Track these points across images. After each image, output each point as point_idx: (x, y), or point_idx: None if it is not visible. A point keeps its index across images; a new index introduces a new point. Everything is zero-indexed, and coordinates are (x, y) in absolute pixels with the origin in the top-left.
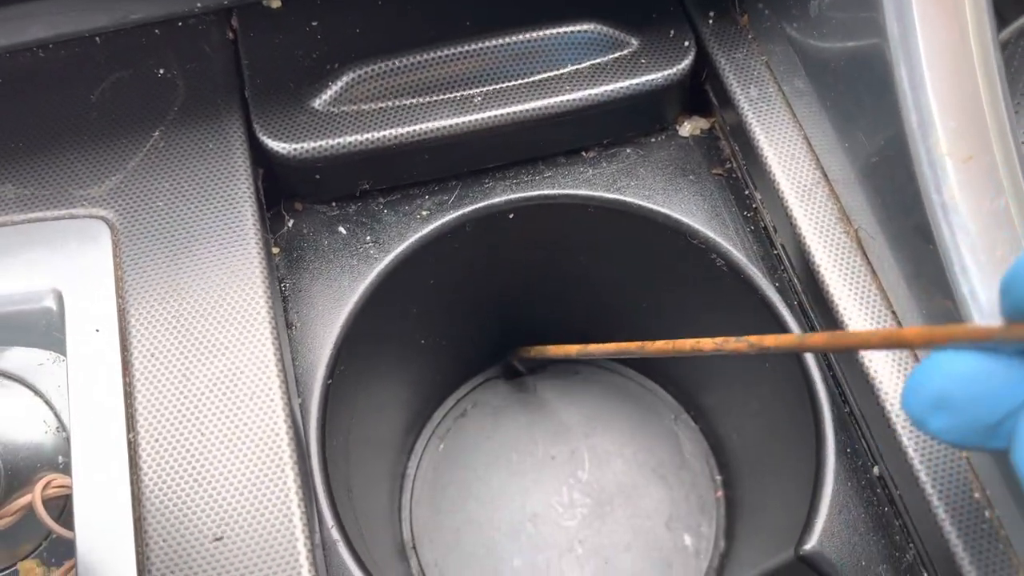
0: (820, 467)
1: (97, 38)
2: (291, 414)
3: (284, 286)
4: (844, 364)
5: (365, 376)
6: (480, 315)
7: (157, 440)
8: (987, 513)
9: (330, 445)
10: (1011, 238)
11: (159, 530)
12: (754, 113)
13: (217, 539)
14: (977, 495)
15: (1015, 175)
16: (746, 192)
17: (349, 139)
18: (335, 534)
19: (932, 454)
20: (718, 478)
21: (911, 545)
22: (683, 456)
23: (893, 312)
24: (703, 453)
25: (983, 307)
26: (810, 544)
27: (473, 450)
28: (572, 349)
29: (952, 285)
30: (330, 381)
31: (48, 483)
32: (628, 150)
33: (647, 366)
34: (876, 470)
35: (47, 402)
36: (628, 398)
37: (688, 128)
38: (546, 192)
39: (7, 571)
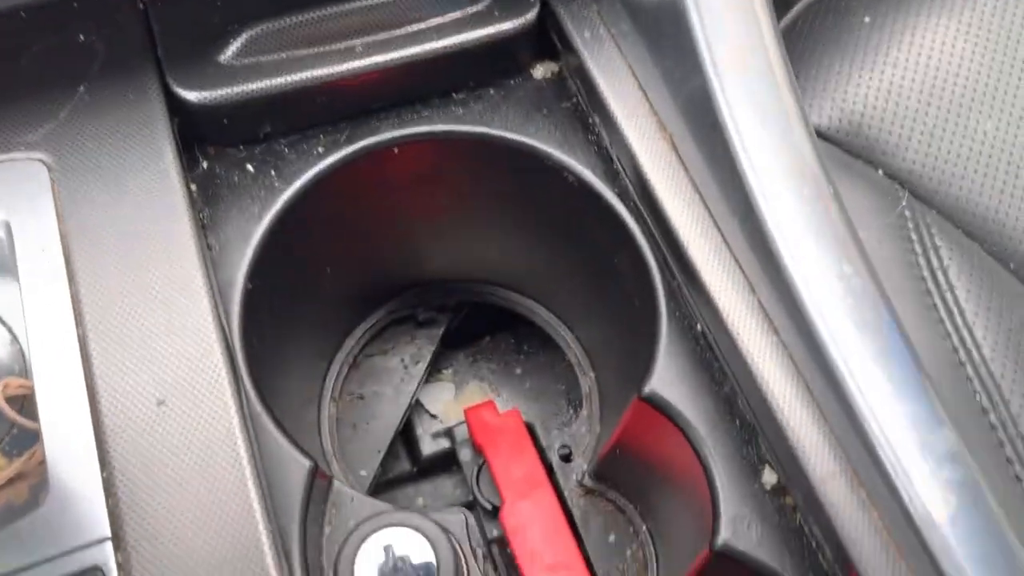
0: (655, 327)
1: (22, 12)
2: (216, 312)
3: (202, 216)
4: (670, 249)
5: (279, 291)
6: (378, 247)
7: (103, 332)
8: (775, 337)
9: (250, 344)
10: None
11: (110, 400)
12: (589, 53)
13: (160, 402)
14: (774, 338)
15: (783, 83)
16: (589, 121)
17: (251, 86)
18: (258, 407)
19: (737, 307)
20: (591, 374)
21: (727, 379)
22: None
23: (701, 197)
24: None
25: (758, 174)
26: (648, 387)
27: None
28: None
29: (735, 159)
30: (249, 285)
31: (6, 385)
32: (491, 91)
33: (532, 291)
34: (699, 327)
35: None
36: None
37: (540, 71)
38: (423, 129)
39: None
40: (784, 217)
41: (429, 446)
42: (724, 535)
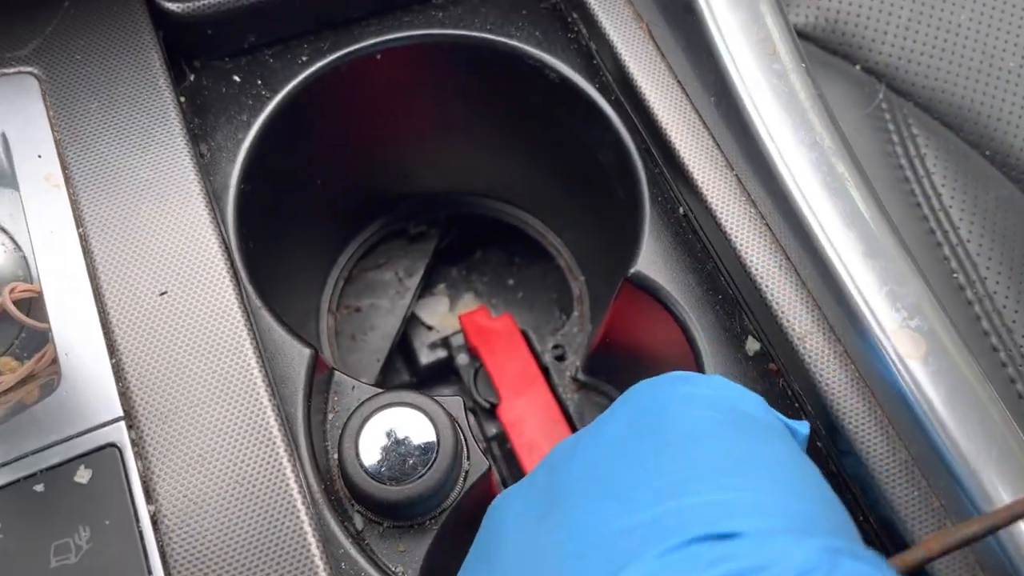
0: (639, 213)
1: None
2: (212, 212)
3: (192, 125)
4: (651, 136)
5: (272, 199)
6: (366, 159)
7: (102, 230)
8: (752, 210)
9: (247, 245)
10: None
11: (114, 291)
12: None
13: (162, 293)
14: (752, 210)
15: None
16: (568, 19)
17: None
18: (257, 302)
19: (717, 185)
20: (581, 278)
21: (710, 258)
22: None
23: (679, 81)
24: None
25: (731, 51)
26: (634, 269)
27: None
28: None
29: (709, 40)
30: (242, 187)
31: (13, 289)
32: None
33: (521, 200)
34: (681, 210)
35: (1, 228)
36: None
37: None
38: (404, 33)
39: None
40: (756, 90)
41: (427, 356)
42: None
